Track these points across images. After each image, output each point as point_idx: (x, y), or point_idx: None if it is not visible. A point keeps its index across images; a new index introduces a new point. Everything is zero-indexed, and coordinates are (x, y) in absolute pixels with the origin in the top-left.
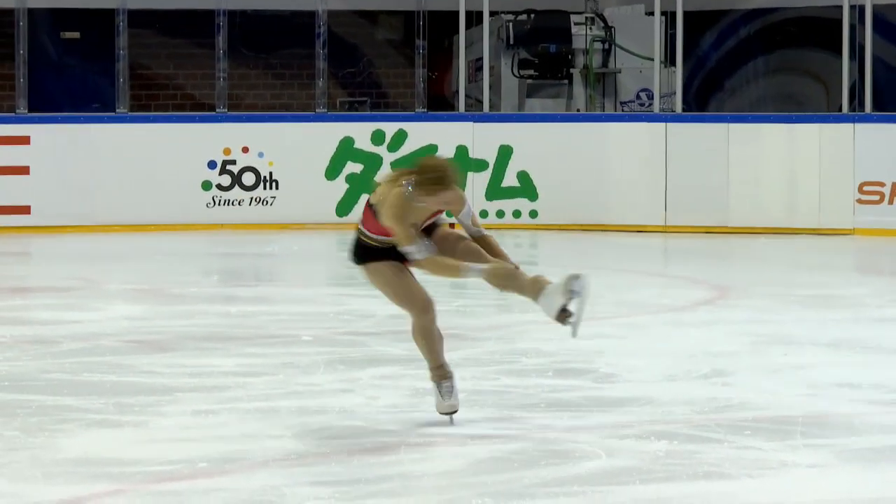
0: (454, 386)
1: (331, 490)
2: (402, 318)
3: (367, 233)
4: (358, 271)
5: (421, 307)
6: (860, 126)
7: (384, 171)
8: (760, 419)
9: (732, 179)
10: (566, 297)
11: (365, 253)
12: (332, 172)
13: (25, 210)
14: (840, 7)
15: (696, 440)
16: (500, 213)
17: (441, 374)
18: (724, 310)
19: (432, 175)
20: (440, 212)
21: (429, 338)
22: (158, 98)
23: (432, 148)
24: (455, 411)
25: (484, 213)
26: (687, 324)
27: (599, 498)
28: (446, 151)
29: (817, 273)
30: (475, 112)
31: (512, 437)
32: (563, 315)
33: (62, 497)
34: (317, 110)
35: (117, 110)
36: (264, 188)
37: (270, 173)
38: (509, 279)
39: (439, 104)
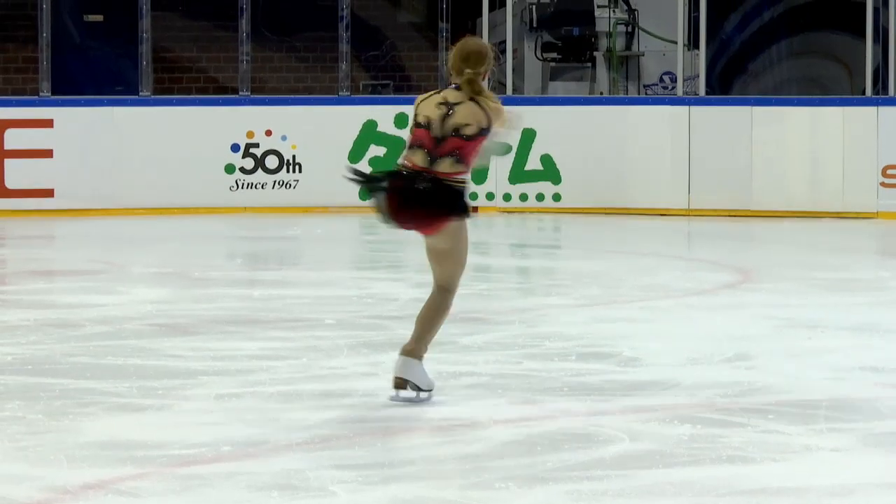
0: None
1: (354, 473)
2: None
3: (464, 177)
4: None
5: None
6: (883, 109)
7: None
8: (784, 403)
9: (756, 163)
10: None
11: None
12: (355, 156)
13: (49, 193)
14: None
15: (720, 424)
16: (524, 197)
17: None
18: (747, 293)
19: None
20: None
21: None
22: (182, 81)
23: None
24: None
25: (507, 197)
26: (710, 307)
27: (622, 482)
28: None
29: (841, 256)
30: (498, 95)
31: (535, 421)
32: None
33: (86, 480)
34: (340, 93)
35: (140, 93)
36: (287, 171)
37: (294, 156)
38: None
39: None
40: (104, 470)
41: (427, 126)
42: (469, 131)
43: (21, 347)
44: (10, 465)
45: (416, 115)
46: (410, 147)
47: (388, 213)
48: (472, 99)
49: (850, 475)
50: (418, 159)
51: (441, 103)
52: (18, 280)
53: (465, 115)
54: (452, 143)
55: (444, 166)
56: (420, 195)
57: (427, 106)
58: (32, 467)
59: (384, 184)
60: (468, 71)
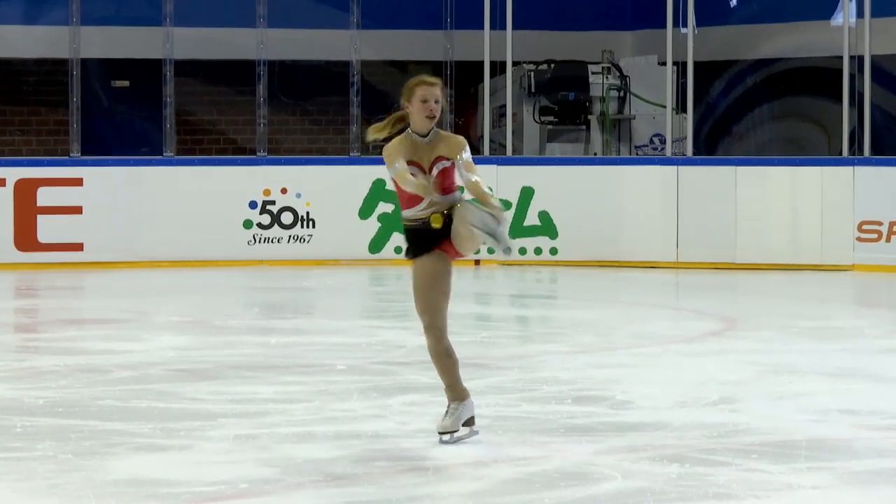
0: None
1: None
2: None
3: (403, 213)
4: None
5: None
6: (859, 168)
7: None
8: (766, 443)
9: (740, 218)
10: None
11: (413, 241)
12: (365, 212)
13: (79, 247)
14: (840, 58)
15: (707, 463)
16: (523, 251)
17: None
18: (731, 341)
19: (410, 82)
20: (441, 158)
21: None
22: (203, 142)
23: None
24: (449, 432)
25: (506, 251)
26: (697, 354)
27: None
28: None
29: (819, 306)
30: (499, 155)
31: (533, 460)
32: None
33: None
34: (351, 154)
35: (165, 154)
36: (302, 227)
37: (307, 213)
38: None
39: None
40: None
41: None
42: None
43: (52, 391)
44: (41, 501)
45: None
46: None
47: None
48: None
49: None
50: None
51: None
52: (50, 328)
53: (438, 150)
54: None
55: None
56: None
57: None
58: (62, 503)
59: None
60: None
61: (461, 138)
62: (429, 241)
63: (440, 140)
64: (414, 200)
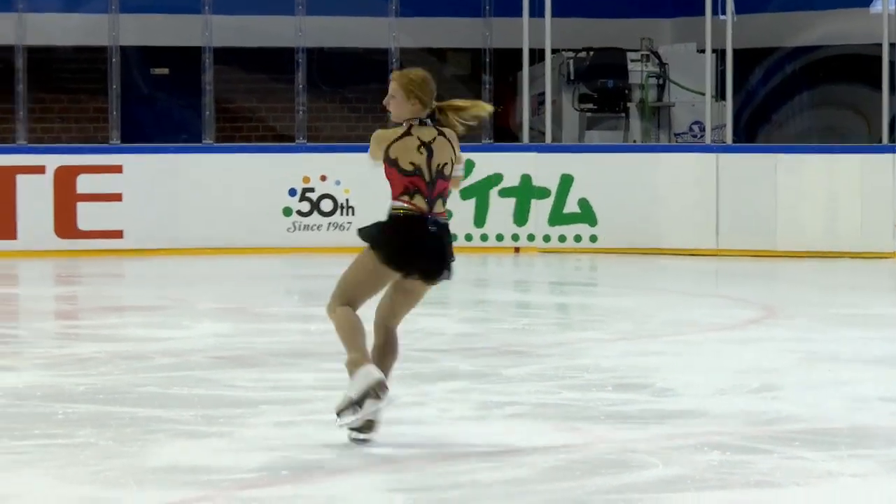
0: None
1: (404, 496)
2: (471, 336)
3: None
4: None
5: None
6: None
7: (453, 198)
8: (807, 431)
9: (779, 206)
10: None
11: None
12: None
13: (118, 234)
14: (880, 45)
15: (747, 451)
16: (562, 238)
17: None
18: (771, 328)
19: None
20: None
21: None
22: (242, 130)
23: (498, 177)
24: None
25: (547, 238)
26: (737, 341)
27: None
28: (511, 180)
29: (859, 294)
30: (538, 143)
31: (574, 448)
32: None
33: (152, 503)
34: None
35: (204, 141)
36: (341, 214)
37: (347, 200)
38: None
39: (504, 136)
40: (170, 493)
41: (418, 173)
42: (448, 171)
43: (93, 378)
44: (82, 487)
45: (395, 159)
46: (407, 191)
47: (396, 258)
48: (440, 133)
49: (870, 499)
50: (420, 203)
51: (420, 146)
52: (90, 315)
53: (442, 154)
54: (440, 185)
55: (438, 208)
56: (434, 239)
57: (405, 150)
58: (104, 490)
59: (392, 231)
60: (436, 103)
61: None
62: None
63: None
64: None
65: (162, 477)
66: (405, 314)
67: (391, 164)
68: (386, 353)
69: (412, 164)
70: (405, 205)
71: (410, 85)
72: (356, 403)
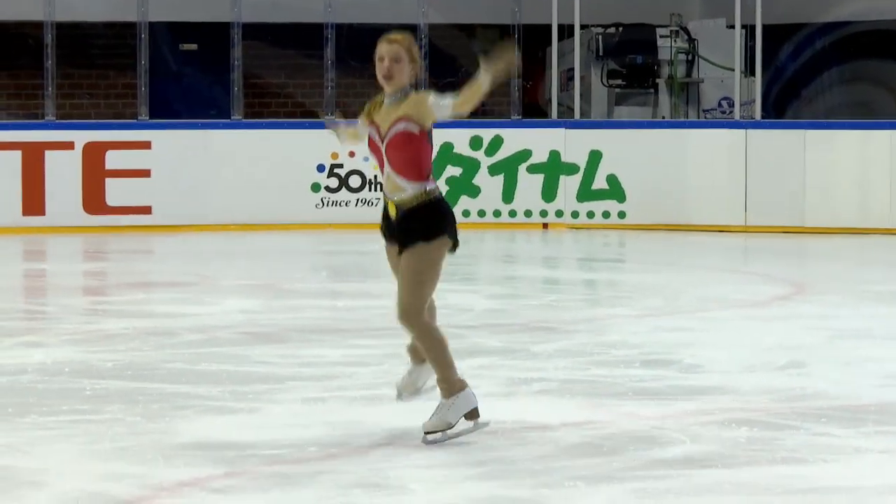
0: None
1: (432, 473)
2: (500, 312)
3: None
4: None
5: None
6: None
7: (482, 175)
8: (835, 408)
9: (808, 182)
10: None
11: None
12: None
13: (147, 210)
14: None
15: (775, 427)
16: (591, 214)
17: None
18: (800, 305)
19: None
20: (400, 119)
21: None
22: (270, 106)
23: (527, 153)
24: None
25: (575, 214)
26: (765, 318)
27: (684, 481)
28: (540, 156)
29: (889, 271)
30: (567, 119)
31: (601, 424)
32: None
33: (181, 479)
34: None
35: (232, 117)
36: (369, 190)
37: (375, 176)
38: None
39: (533, 111)
40: (198, 469)
41: None
42: None
43: (121, 354)
44: (111, 463)
45: (430, 131)
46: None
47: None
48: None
49: None
50: None
51: None
52: (118, 291)
53: None
54: None
55: None
56: None
57: None
58: (132, 466)
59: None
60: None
61: (425, 92)
62: (390, 226)
63: (408, 100)
64: (378, 159)
65: (190, 453)
66: None
67: (429, 139)
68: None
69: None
70: (436, 185)
71: (413, 47)
72: (451, 427)
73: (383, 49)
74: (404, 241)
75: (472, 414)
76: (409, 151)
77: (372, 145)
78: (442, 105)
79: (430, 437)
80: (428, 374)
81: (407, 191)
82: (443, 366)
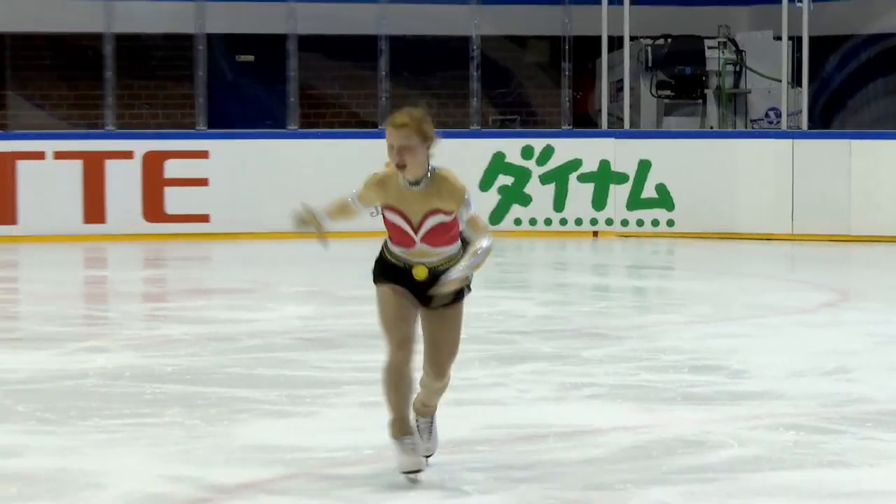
0: (416, 442)
1: (485, 475)
2: (551, 318)
3: (388, 244)
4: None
5: (396, 343)
6: None
7: (533, 183)
8: (881, 412)
9: (854, 191)
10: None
11: (380, 269)
12: (485, 184)
13: (205, 218)
14: None
15: (822, 431)
16: (640, 222)
17: (399, 428)
18: (846, 312)
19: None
20: (437, 211)
21: (392, 384)
22: (325, 116)
23: (577, 162)
24: (419, 469)
25: (625, 222)
26: (812, 325)
27: (731, 484)
28: (590, 165)
29: None
30: (616, 129)
31: (651, 428)
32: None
33: (240, 481)
34: (471, 127)
35: (288, 127)
36: None
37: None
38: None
39: (583, 122)
40: (256, 471)
41: None
42: None
43: (180, 359)
44: (171, 466)
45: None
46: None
47: None
48: None
49: None
50: None
51: None
52: (177, 298)
53: None
54: None
55: None
56: None
57: None
58: (191, 468)
59: None
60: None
61: (461, 186)
62: (405, 283)
63: (436, 187)
64: (404, 240)
65: (248, 456)
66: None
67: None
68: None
69: None
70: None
71: (424, 124)
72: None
73: (392, 136)
74: (440, 299)
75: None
76: (448, 234)
77: (396, 229)
78: (468, 212)
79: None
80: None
81: (445, 254)
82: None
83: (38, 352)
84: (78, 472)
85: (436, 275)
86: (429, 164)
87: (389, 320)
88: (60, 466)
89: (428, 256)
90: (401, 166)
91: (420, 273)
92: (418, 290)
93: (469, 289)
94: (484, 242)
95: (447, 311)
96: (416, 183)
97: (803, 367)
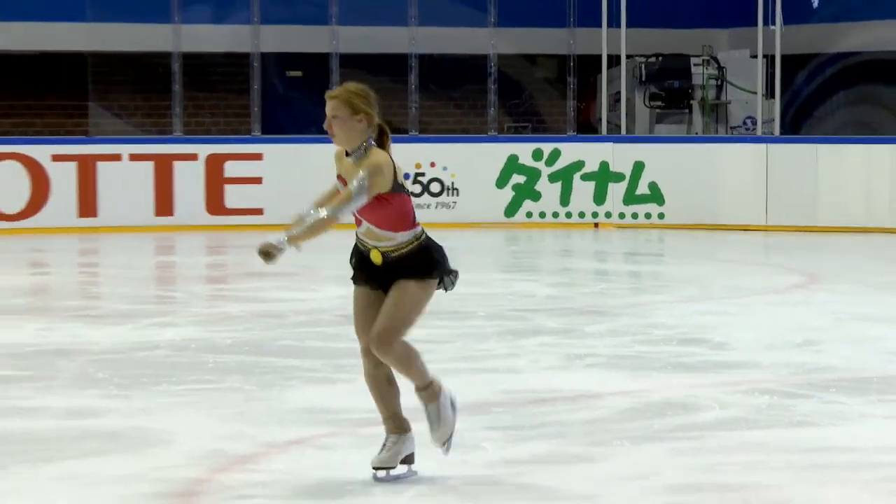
0: (395, 443)
1: (500, 433)
2: (557, 298)
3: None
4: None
5: (362, 351)
6: None
7: (542, 182)
8: (843, 379)
9: (820, 188)
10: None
11: (353, 261)
12: (501, 182)
13: (259, 212)
14: None
15: (792, 396)
16: (635, 215)
17: (387, 427)
18: (814, 293)
19: None
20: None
21: (369, 388)
22: None
23: (580, 163)
24: (384, 467)
25: (622, 215)
26: (784, 304)
27: (714, 441)
28: (591, 166)
29: (891, 264)
30: (614, 134)
31: (644, 393)
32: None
33: (290, 438)
34: (489, 133)
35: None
36: (447, 195)
37: (452, 183)
38: None
39: (586, 128)
40: (304, 429)
41: (409, 193)
42: None
43: (238, 333)
44: (231, 425)
45: (402, 184)
46: (415, 215)
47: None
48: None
49: None
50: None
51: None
52: (235, 280)
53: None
54: None
55: None
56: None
57: (400, 172)
58: (249, 427)
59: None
60: (378, 120)
61: (371, 163)
62: (370, 272)
63: (363, 162)
64: (355, 217)
65: (297, 416)
66: None
67: (401, 190)
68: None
69: (403, 184)
70: (421, 228)
71: (355, 98)
72: (454, 425)
73: (326, 106)
74: (393, 278)
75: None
76: (385, 210)
77: None
78: (351, 186)
79: (444, 447)
80: (409, 447)
81: (395, 239)
82: (420, 375)
83: (115, 327)
84: (149, 430)
85: (388, 261)
86: (364, 140)
87: (356, 329)
88: (134, 425)
89: (379, 240)
90: (331, 135)
91: (375, 257)
92: (381, 279)
93: (448, 282)
94: (322, 213)
95: (393, 288)
96: (350, 155)
97: (776, 341)
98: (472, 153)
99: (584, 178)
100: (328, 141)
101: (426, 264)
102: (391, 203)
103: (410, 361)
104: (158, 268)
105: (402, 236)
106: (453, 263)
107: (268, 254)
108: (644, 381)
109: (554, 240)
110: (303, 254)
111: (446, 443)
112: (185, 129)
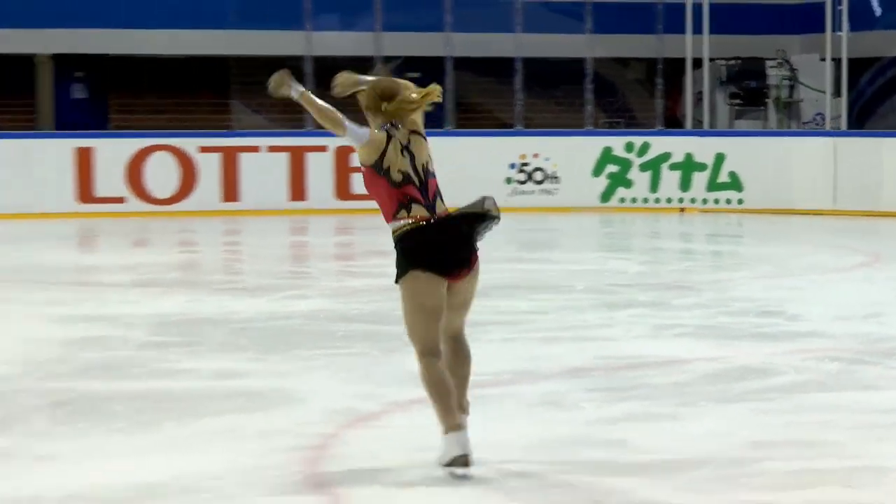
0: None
1: (597, 395)
2: (647, 274)
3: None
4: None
5: (428, 349)
6: None
7: (634, 171)
8: None
9: (884, 177)
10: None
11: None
12: (596, 171)
13: None
14: None
15: (858, 362)
16: (717, 201)
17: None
18: (878, 271)
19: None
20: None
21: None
22: (474, 119)
23: (668, 155)
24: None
25: (704, 201)
26: (851, 280)
27: (790, 402)
28: (678, 157)
29: None
30: (698, 129)
31: (725, 359)
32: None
33: (410, 398)
34: (586, 127)
35: (445, 127)
36: (549, 182)
37: (554, 172)
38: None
39: (673, 123)
40: (404, 391)
41: (408, 181)
42: (432, 167)
43: (364, 304)
44: (358, 386)
45: (387, 169)
46: (402, 206)
47: (430, 257)
48: (412, 131)
49: None
50: (421, 212)
51: (402, 150)
52: (362, 258)
53: (422, 153)
54: (432, 184)
55: (440, 208)
56: (454, 228)
57: (395, 158)
58: (374, 388)
59: (412, 242)
60: (388, 105)
61: (374, 134)
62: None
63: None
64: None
65: (416, 380)
66: (465, 317)
67: (381, 174)
68: (457, 363)
69: (401, 172)
70: (407, 220)
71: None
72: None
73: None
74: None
75: (459, 461)
76: (374, 189)
77: None
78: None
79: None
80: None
81: (390, 228)
82: (442, 415)
83: (255, 298)
84: (286, 390)
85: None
86: (379, 127)
87: (420, 322)
88: (273, 386)
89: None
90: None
91: None
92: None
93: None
94: (329, 107)
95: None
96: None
97: (844, 313)
98: (571, 145)
99: (671, 167)
100: (444, 134)
101: (397, 267)
102: (375, 183)
103: (433, 394)
104: (293, 247)
105: (391, 226)
106: (550, 242)
107: (281, 84)
108: (726, 349)
109: (644, 223)
110: None
111: (449, 465)
112: (315, 124)
